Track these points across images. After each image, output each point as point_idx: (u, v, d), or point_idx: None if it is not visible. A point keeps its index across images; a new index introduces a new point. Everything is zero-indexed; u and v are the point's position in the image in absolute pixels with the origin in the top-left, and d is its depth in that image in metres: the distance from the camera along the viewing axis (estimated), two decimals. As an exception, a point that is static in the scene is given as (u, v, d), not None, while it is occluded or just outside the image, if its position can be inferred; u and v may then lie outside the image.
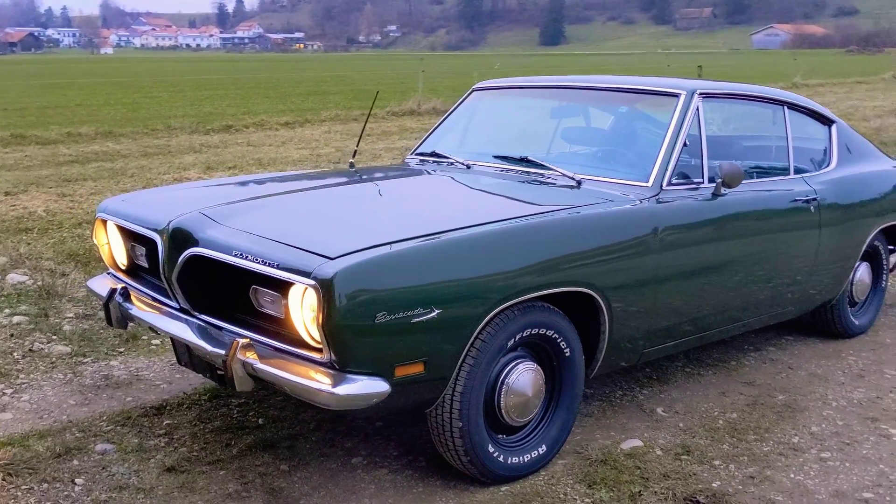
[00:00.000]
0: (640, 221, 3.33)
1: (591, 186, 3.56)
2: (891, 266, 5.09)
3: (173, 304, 3.14)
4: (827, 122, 4.65)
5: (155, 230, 3.11)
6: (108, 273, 3.68)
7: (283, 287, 2.70)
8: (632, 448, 3.39)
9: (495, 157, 4.01)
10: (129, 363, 4.26)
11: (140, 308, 3.25)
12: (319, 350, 2.62)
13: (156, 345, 4.53)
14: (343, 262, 2.54)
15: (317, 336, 2.62)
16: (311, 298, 2.56)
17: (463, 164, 4.03)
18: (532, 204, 3.30)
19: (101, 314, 4.94)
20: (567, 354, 3.16)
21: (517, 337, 2.96)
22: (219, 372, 2.97)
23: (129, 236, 3.48)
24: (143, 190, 4.09)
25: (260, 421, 3.58)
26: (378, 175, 4.03)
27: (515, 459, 3.07)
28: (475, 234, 2.87)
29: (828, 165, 4.54)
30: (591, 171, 3.68)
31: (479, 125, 4.54)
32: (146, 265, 3.39)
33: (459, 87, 27.47)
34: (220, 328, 2.94)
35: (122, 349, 4.46)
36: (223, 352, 2.72)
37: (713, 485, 3.12)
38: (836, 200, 4.31)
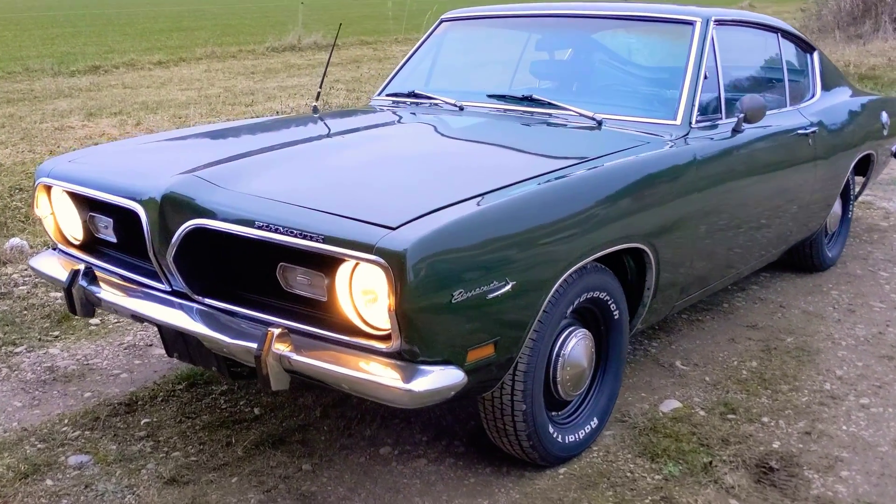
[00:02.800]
0: (682, 164, 3.01)
1: (613, 127, 3.22)
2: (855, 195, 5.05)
3: (162, 286, 2.60)
4: (809, 49, 4.47)
5: (136, 199, 2.53)
6: (55, 249, 3.06)
7: (328, 264, 2.23)
8: (673, 410, 3.14)
9: (490, 96, 3.59)
10: (71, 350, 3.65)
11: (114, 293, 2.68)
12: (382, 338, 2.18)
13: (95, 325, 3.91)
14: (411, 231, 2.09)
15: (376, 322, 2.19)
16: (373, 277, 2.12)
17: (454, 105, 3.58)
18: (574, 152, 2.88)
19: (19, 292, 4.29)
20: (616, 317, 2.84)
21: (575, 303, 2.61)
22: (229, 365, 2.49)
23: (87, 205, 2.88)
24: (91, 147, 3.43)
25: (256, 411, 3.10)
26: (369, 122, 3.47)
27: (571, 438, 2.75)
28: (542, 191, 2.44)
29: (813, 96, 4.36)
30: (605, 110, 3.32)
31: (456, 61, 4.08)
32: (115, 240, 2.82)
33: (338, 20, 26.16)
34: (233, 314, 2.44)
35: (56, 333, 3.83)
36: (254, 345, 2.23)
37: (773, 446, 2.92)
38: (826, 132, 4.15)
